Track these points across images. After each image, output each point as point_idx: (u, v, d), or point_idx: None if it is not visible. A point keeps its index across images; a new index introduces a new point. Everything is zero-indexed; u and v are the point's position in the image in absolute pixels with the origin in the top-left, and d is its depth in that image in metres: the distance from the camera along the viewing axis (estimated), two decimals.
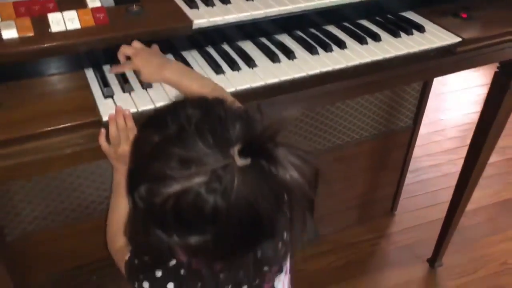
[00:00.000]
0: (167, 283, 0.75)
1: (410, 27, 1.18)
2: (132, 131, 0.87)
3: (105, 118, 0.88)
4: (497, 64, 1.37)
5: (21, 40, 0.91)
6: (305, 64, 1.05)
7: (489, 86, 1.44)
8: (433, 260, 1.92)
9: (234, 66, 1.02)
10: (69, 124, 0.86)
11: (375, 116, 1.73)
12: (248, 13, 1.04)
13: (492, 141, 1.49)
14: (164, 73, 0.93)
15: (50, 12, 0.97)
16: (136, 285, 0.77)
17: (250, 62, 1.03)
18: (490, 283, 1.89)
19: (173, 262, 0.75)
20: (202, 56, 1.06)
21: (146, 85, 0.95)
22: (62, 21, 0.95)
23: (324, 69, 1.04)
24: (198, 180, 0.56)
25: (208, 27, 1.02)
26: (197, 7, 1.05)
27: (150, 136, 0.61)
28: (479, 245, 2.04)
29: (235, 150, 0.57)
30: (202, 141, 0.57)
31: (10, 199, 1.29)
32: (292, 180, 0.57)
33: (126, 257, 0.83)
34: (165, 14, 1.01)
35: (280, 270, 0.85)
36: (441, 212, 2.12)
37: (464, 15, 1.25)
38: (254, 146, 0.57)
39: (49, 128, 0.85)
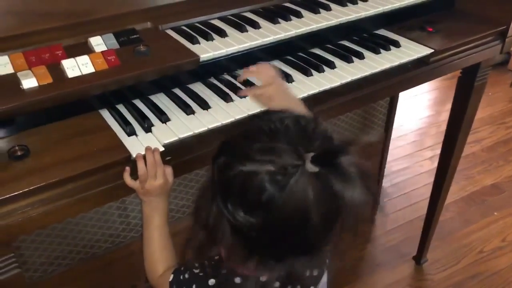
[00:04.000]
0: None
1: (387, 43, 1.30)
2: (160, 166, 0.91)
3: (134, 154, 0.92)
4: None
5: (42, 88, 0.94)
6: (303, 86, 1.14)
7: (434, 91, 1.59)
8: (419, 257, 2.04)
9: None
10: (101, 164, 0.89)
11: (351, 128, 1.85)
12: (247, 44, 1.12)
13: (464, 137, 1.64)
14: (290, 101, 0.97)
15: (60, 59, 1.00)
16: None
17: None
18: (471, 271, 2.03)
19: (224, 271, 0.80)
20: (208, 86, 1.13)
21: (164, 119, 1.00)
22: (77, 67, 0.99)
23: (322, 88, 1.13)
24: (268, 168, 0.63)
25: (212, 59, 1.09)
26: (198, 42, 1.11)
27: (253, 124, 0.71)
28: (456, 237, 2.19)
29: (309, 156, 0.63)
30: (286, 139, 0.65)
31: (16, 248, 1.27)
32: (350, 202, 0.64)
33: (170, 278, 0.88)
34: (171, 51, 1.07)
35: None
36: (416, 211, 2.27)
37: (430, 29, 1.39)
38: (327, 158, 0.64)
39: (82, 171, 0.88)
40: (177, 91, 1.11)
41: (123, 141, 0.94)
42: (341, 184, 0.63)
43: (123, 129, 0.97)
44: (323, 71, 1.19)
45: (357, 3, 1.33)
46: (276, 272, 0.74)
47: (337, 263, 0.89)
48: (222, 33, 1.15)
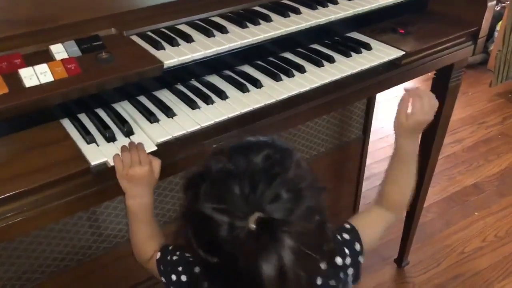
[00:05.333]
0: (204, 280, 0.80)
1: (358, 46, 1.29)
2: (144, 152, 0.90)
3: (93, 163, 0.89)
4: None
5: None
6: (272, 91, 1.11)
7: None
8: (400, 260, 2.03)
9: (207, 100, 1.06)
10: (59, 176, 0.86)
11: (329, 132, 1.83)
12: (213, 49, 1.10)
13: (441, 139, 1.64)
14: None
15: (19, 68, 0.97)
16: (174, 278, 0.88)
17: (221, 94, 1.08)
18: (453, 272, 2.02)
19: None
20: (174, 93, 1.10)
21: (127, 132, 0.97)
22: (35, 76, 0.95)
23: (291, 93, 1.11)
24: (221, 218, 0.66)
25: (177, 65, 1.06)
26: (163, 48, 1.09)
27: (214, 163, 0.71)
28: (437, 239, 2.18)
29: (256, 215, 0.64)
30: (240, 192, 0.66)
31: None
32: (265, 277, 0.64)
33: (158, 256, 0.92)
34: (134, 58, 1.04)
35: None
36: None
37: (402, 31, 1.38)
38: (270, 226, 0.64)
39: (39, 184, 0.85)
40: (142, 98, 1.08)
41: (83, 152, 0.91)
42: (264, 258, 0.64)
43: (84, 139, 0.94)
44: (293, 75, 1.17)
45: (327, 6, 1.31)
46: None
47: None
48: (188, 38, 1.12)
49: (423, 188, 1.82)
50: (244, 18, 1.22)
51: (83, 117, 1.02)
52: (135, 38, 1.13)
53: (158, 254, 0.92)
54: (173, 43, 1.10)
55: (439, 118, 1.58)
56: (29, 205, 0.85)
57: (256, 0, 1.32)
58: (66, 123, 0.99)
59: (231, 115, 1.03)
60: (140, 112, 1.03)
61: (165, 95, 1.10)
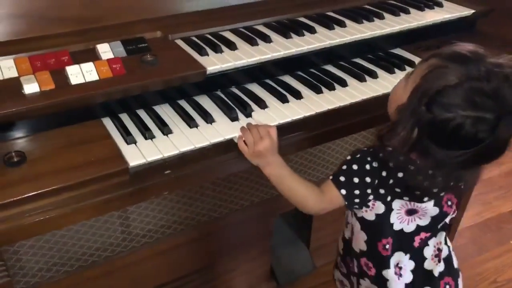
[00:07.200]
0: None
1: (402, 63, 1.26)
2: (261, 127, 0.96)
3: (132, 163, 0.89)
4: None
5: (43, 94, 0.93)
6: (313, 103, 1.10)
7: None
8: None
9: (246, 109, 1.06)
10: (97, 175, 0.87)
11: (362, 146, 1.80)
12: (256, 58, 1.10)
13: None
14: None
15: (66, 65, 0.99)
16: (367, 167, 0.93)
17: (261, 103, 1.08)
18: None
19: (402, 158, 0.88)
20: (214, 100, 1.10)
21: (166, 131, 0.98)
22: (81, 74, 0.97)
23: (331, 107, 1.09)
24: (488, 115, 0.75)
25: (220, 72, 1.07)
26: (207, 54, 1.09)
27: (459, 70, 0.77)
28: (469, 265, 2.11)
29: None
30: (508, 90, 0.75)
31: (14, 252, 1.26)
32: None
33: (336, 178, 0.96)
34: (178, 63, 1.05)
35: None
36: None
37: None
38: None
39: (77, 181, 0.86)
40: (182, 102, 1.09)
41: (122, 151, 0.92)
42: None
43: (124, 139, 0.95)
44: (333, 89, 1.16)
45: (373, 21, 1.29)
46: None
47: None
48: (232, 46, 1.12)
49: (459, 210, 1.77)
50: (288, 28, 1.21)
51: (124, 117, 1.03)
52: (179, 42, 1.14)
53: (336, 178, 0.95)
54: (217, 49, 1.10)
55: None
56: (66, 201, 0.86)
57: (301, 11, 1.31)
58: (107, 122, 1.01)
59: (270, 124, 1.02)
60: (180, 116, 1.04)
61: (204, 101, 1.10)
